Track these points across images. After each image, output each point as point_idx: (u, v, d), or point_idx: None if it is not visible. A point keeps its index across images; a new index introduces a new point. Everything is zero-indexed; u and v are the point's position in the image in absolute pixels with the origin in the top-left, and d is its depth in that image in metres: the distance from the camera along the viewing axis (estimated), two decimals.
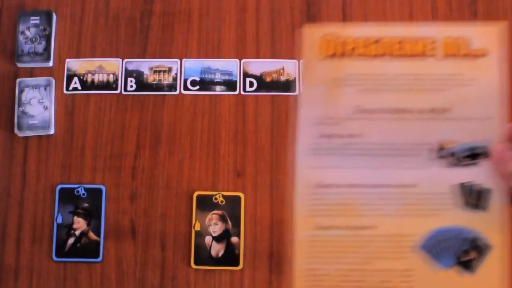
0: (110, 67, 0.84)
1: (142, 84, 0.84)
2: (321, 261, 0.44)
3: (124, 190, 0.81)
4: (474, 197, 0.44)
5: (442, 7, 0.87)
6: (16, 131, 0.81)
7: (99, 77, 0.84)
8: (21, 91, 0.82)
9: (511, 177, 0.42)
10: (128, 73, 0.84)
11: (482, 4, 0.87)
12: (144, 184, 0.81)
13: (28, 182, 0.81)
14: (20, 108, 0.82)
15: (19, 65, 0.84)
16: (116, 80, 0.84)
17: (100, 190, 0.80)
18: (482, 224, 0.44)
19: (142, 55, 0.85)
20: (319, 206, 0.45)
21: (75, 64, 0.84)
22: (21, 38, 0.84)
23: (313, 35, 0.46)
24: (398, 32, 0.46)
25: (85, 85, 0.84)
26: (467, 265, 0.43)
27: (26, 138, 0.82)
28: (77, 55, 0.85)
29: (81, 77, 0.84)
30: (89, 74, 0.84)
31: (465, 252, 0.43)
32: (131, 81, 0.84)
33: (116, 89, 0.84)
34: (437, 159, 0.44)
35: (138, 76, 0.84)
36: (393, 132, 0.45)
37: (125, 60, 0.84)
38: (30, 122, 0.81)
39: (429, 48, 0.45)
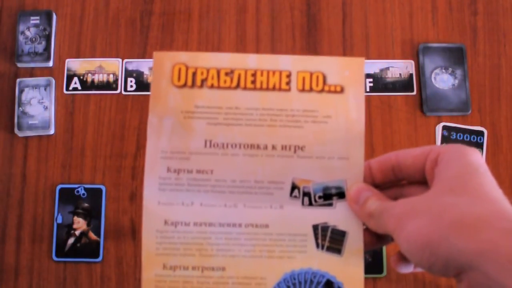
0: (110, 67, 0.84)
1: (142, 84, 0.84)
2: None
3: (124, 190, 0.81)
4: (328, 240, 0.42)
5: (442, 7, 0.87)
6: (16, 131, 0.81)
7: (99, 77, 0.84)
8: (21, 91, 0.82)
9: (368, 218, 0.41)
10: (128, 73, 0.84)
11: (482, 4, 0.87)
12: None
13: (28, 182, 0.81)
14: (20, 108, 0.82)
15: (19, 65, 0.84)
16: (116, 80, 0.84)
17: (100, 190, 0.80)
18: (336, 268, 0.42)
19: (142, 55, 0.85)
20: (166, 245, 0.43)
21: (75, 64, 0.84)
22: (21, 38, 0.84)
23: (163, 62, 0.43)
24: (252, 64, 0.43)
25: (85, 85, 0.84)
26: None
27: (26, 138, 0.82)
28: (77, 55, 0.85)
29: (81, 77, 0.84)
30: (89, 74, 0.84)
31: None
32: (131, 81, 0.84)
33: (116, 89, 0.84)
34: (290, 198, 0.43)
35: (138, 76, 0.84)
36: (245, 169, 0.43)
37: (125, 60, 0.84)
38: (30, 122, 0.81)
39: (283, 82, 0.43)
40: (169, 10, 0.86)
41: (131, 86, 0.84)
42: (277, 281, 0.42)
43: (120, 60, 0.84)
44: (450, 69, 0.84)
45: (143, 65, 0.84)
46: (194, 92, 0.43)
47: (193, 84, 0.43)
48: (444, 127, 0.82)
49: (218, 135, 0.43)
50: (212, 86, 0.43)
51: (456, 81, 0.83)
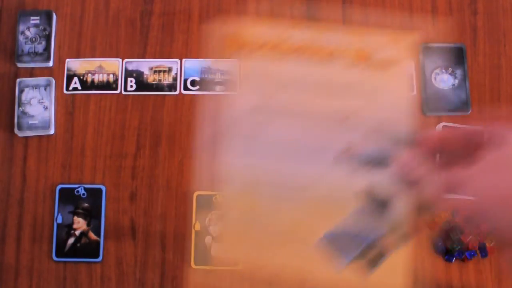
0: (110, 67, 0.84)
1: (142, 84, 0.84)
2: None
3: (124, 190, 0.81)
4: (376, 203, 0.43)
5: (442, 7, 0.87)
6: (16, 131, 0.81)
7: (99, 77, 0.84)
8: (21, 91, 0.82)
9: (416, 184, 0.41)
10: (128, 73, 0.84)
11: (482, 4, 0.87)
12: (144, 184, 0.81)
13: (28, 182, 0.81)
14: (20, 108, 0.82)
15: (19, 65, 0.84)
16: (116, 80, 0.84)
17: (100, 190, 0.80)
18: (384, 228, 0.43)
19: (142, 55, 0.85)
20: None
21: (75, 64, 0.84)
22: (21, 38, 0.84)
23: (212, 34, 0.46)
24: (298, 39, 0.45)
25: (85, 85, 0.84)
26: (368, 263, 0.43)
27: (26, 138, 0.82)
28: (77, 55, 0.85)
29: (81, 77, 0.84)
30: (89, 74, 0.84)
31: (365, 252, 0.43)
32: (131, 81, 0.84)
33: (116, 89, 0.84)
34: (340, 163, 0.44)
35: (138, 76, 0.84)
36: (293, 134, 0.44)
37: (125, 60, 0.84)
38: (30, 122, 0.81)
39: (336, 54, 0.45)
40: (169, 10, 0.86)
41: (131, 86, 0.84)
42: (326, 234, 0.44)
43: (120, 60, 0.84)
44: (450, 69, 0.84)
45: (143, 65, 0.84)
46: (244, 61, 0.45)
47: (244, 53, 0.45)
48: (444, 127, 0.82)
49: (268, 101, 0.44)
50: (260, 57, 0.45)
51: (456, 81, 0.83)
